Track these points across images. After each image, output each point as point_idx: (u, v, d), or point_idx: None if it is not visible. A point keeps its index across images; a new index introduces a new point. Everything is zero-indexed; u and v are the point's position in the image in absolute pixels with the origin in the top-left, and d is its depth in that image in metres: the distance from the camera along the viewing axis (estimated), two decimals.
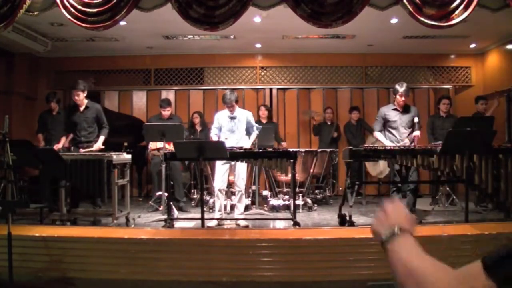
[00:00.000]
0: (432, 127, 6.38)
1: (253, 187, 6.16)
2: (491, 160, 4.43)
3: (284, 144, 7.30)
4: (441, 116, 6.38)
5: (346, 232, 4.08)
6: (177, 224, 5.02)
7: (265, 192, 6.50)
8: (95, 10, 4.85)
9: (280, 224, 5.35)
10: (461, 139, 4.28)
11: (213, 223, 5.14)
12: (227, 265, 3.51)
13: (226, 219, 5.36)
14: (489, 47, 7.91)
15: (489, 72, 8.08)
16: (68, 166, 4.72)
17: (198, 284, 3.44)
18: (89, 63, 8.25)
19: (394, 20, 6.14)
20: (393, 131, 5.25)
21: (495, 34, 7.17)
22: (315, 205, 6.31)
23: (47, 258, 3.59)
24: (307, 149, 6.76)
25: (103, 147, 5.43)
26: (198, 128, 7.03)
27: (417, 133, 5.11)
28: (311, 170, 6.29)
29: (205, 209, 5.05)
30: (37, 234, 3.73)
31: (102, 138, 5.44)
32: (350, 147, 5.02)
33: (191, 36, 7.23)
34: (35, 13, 5.07)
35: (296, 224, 4.60)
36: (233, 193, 5.68)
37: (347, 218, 4.65)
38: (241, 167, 5.19)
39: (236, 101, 5.25)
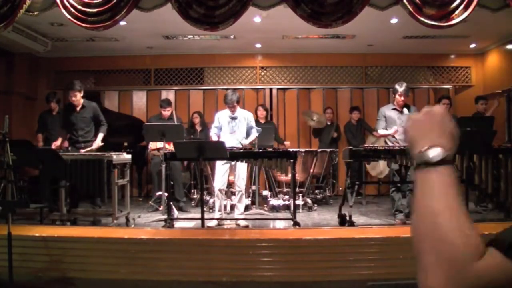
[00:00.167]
0: None
1: (253, 187, 6.15)
2: (491, 160, 4.43)
3: (287, 143, 7.27)
4: None
5: (346, 232, 4.08)
6: (177, 224, 5.02)
7: (265, 192, 6.50)
8: (95, 10, 4.85)
9: (280, 224, 5.35)
10: (461, 139, 4.27)
11: (213, 223, 5.14)
12: (227, 265, 3.51)
13: (226, 219, 5.36)
14: (489, 47, 7.91)
15: (489, 72, 8.08)
16: (68, 166, 4.72)
17: (198, 284, 3.44)
18: (89, 63, 8.25)
19: (394, 20, 6.13)
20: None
21: (495, 34, 7.17)
22: (315, 205, 6.31)
23: (47, 258, 3.59)
24: (307, 149, 6.76)
25: (102, 144, 5.42)
26: (198, 128, 7.03)
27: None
28: (311, 170, 6.29)
29: (205, 209, 5.05)
30: (37, 234, 3.73)
31: (101, 136, 5.43)
32: (350, 147, 5.02)
33: (191, 36, 7.23)
34: (35, 13, 5.07)
35: (296, 224, 4.60)
36: (233, 193, 5.68)
37: (347, 218, 4.65)
38: (241, 167, 5.19)
39: (238, 102, 5.25)
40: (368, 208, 6.36)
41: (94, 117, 5.49)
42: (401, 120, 5.22)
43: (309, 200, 6.25)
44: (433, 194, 0.71)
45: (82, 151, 5.18)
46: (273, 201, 6.15)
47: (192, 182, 6.87)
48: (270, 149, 5.27)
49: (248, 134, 5.36)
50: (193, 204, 6.51)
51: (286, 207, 6.04)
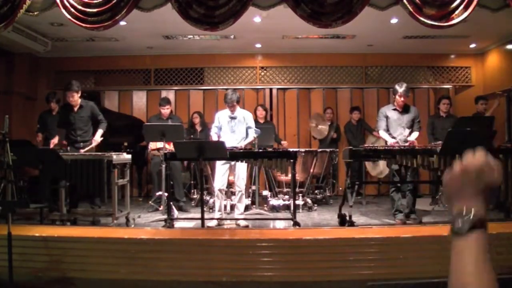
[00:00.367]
0: (432, 127, 6.38)
1: (253, 187, 6.16)
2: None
3: (284, 143, 7.29)
4: (441, 116, 6.38)
5: (346, 232, 4.08)
6: (177, 224, 5.02)
7: (265, 192, 6.51)
8: (95, 10, 4.85)
9: (280, 224, 5.35)
10: (461, 139, 4.28)
11: (213, 223, 5.14)
12: (227, 265, 3.50)
13: (226, 219, 5.36)
14: (489, 47, 7.91)
15: (489, 72, 8.08)
16: (68, 166, 4.72)
17: (198, 284, 3.44)
18: (89, 63, 8.25)
19: (394, 20, 6.14)
20: (393, 131, 5.24)
21: (495, 34, 7.17)
22: (315, 205, 6.31)
23: (47, 258, 3.58)
24: (307, 149, 6.76)
25: (102, 138, 5.40)
26: (198, 128, 7.03)
27: (414, 135, 5.14)
28: (311, 170, 6.29)
29: (205, 209, 5.05)
30: (37, 234, 3.73)
31: (100, 132, 5.42)
32: (350, 147, 5.02)
33: (191, 36, 7.23)
34: (35, 13, 5.07)
35: (296, 224, 4.60)
36: (233, 193, 5.68)
37: (347, 218, 4.65)
38: (241, 167, 5.19)
39: (238, 101, 5.25)
40: (368, 208, 6.36)
41: (93, 116, 5.49)
42: (401, 121, 5.23)
43: (309, 200, 6.25)
44: (463, 262, 0.71)
45: (82, 151, 5.18)
46: (273, 201, 6.15)
47: (192, 182, 6.87)
48: (270, 149, 5.27)
49: (246, 134, 5.35)
50: (193, 204, 6.51)
51: (286, 207, 6.04)
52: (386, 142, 5.21)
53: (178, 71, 8.38)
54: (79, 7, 4.83)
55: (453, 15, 4.75)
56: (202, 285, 3.43)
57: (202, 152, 4.32)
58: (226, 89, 7.33)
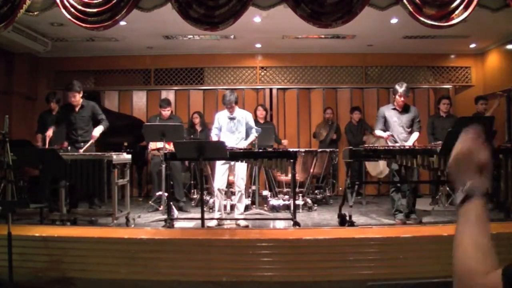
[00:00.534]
0: (432, 127, 6.38)
1: (253, 187, 6.16)
2: (491, 160, 4.42)
3: (285, 142, 7.29)
4: (441, 116, 6.38)
5: (346, 232, 4.08)
6: (177, 224, 5.02)
7: (265, 192, 6.51)
8: (95, 10, 4.85)
9: (280, 224, 5.35)
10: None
11: (213, 223, 5.14)
12: (227, 265, 3.50)
13: (226, 219, 5.36)
14: (489, 47, 7.91)
15: (489, 72, 8.08)
16: (68, 166, 4.72)
17: (198, 284, 3.44)
18: (89, 63, 8.25)
19: (394, 20, 6.14)
20: (392, 131, 5.24)
21: (495, 34, 7.17)
22: (315, 205, 6.31)
23: (47, 258, 3.58)
24: (307, 149, 6.76)
25: (101, 131, 5.38)
26: (198, 128, 7.03)
27: (414, 137, 5.15)
28: (311, 170, 6.29)
29: (205, 209, 5.05)
30: (37, 234, 3.73)
31: (100, 128, 5.38)
32: (350, 147, 5.02)
33: (191, 36, 7.23)
34: (35, 13, 5.07)
35: (296, 224, 4.60)
36: (233, 193, 5.68)
37: (347, 218, 4.65)
38: (241, 167, 5.19)
39: (236, 102, 5.24)
40: (368, 208, 6.36)
41: (93, 116, 5.48)
42: (401, 121, 5.23)
43: (309, 200, 6.25)
44: (461, 226, 0.83)
45: (81, 151, 5.17)
46: (273, 201, 6.15)
47: (192, 182, 6.87)
48: (270, 149, 5.27)
49: (247, 134, 5.35)
50: (193, 204, 6.51)
51: (286, 207, 6.04)
52: (386, 141, 5.22)
53: (178, 71, 8.38)
54: (79, 7, 4.83)
55: (453, 15, 4.75)
56: (202, 285, 3.43)
57: (202, 152, 4.32)
58: (226, 89, 7.33)
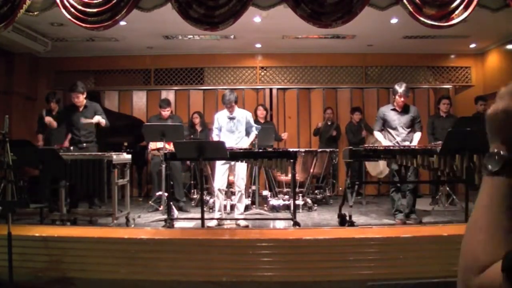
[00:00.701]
0: (432, 127, 6.38)
1: (253, 187, 6.16)
2: None
3: (284, 135, 7.29)
4: (441, 116, 6.38)
5: (346, 232, 4.08)
6: (177, 224, 5.02)
7: (265, 192, 6.51)
8: (95, 10, 4.85)
9: (280, 224, 5.35)
10: (461, 139, 4.28)
11: (213, 223, 5.14)
12: (227, 265, 3.50)
13: (226, 219, 5.36)
14: (489, 47, 7.91)
15: (489, 72, 8.08)
16: (68, 166, 4.72)
17: (198, 284, 3.44)
18: (89, 63, 8.25)
19: (394, 20, 6.14)
20: (392, 131, 5.24)
21: (495, 34, 7.17)
22: (315, 205, 6.31)
23: (47, 258, 3.58)
24: (307, 149, 6.76)
25: (103, 120, 5.36)
26: (198, 128, 7.03)
27: (417, 137, 5.15)
28: (311, 170, 6.29)
29: (205, 209, 5.05)
30: (37, 234, 3.73)
31: (99, 116, 5.37)
32: (350, 147, 5.02)
33: (191, 36, 7.23)
34: (35, 13, 5.07)
35: (296, 224, 4.60)
36: (233, 193, 5.68)
37: (347, 218, 4.65)
38: (241, 167, 5.19)
39: (235, 102, 5.24)
40: (368, 208, 6.36)
41: (96, 115, 5.49)
42: (400, 121, 5.23)
43: (309, 200, 6.25)
44: (478, 203, 0.72)
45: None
46: (273, 201, 6.15)
47: (192, 182, 6.87)
48: (270, 149, 5.27)
49: (248, 133, 5.36)
50: (193, 204, 6.51)
51: (286, 207, 6.04)
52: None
53: (178, 71, 8.38)
54: (79, 7, 4.83)
55: (453, 15, 4.75)
56: (202, 285, 3.43)
57: (202, 152, 4.32)
58: (226, 89, 7.32)
